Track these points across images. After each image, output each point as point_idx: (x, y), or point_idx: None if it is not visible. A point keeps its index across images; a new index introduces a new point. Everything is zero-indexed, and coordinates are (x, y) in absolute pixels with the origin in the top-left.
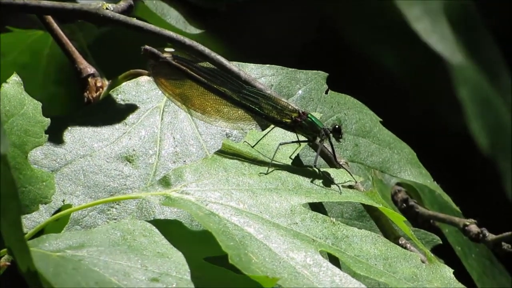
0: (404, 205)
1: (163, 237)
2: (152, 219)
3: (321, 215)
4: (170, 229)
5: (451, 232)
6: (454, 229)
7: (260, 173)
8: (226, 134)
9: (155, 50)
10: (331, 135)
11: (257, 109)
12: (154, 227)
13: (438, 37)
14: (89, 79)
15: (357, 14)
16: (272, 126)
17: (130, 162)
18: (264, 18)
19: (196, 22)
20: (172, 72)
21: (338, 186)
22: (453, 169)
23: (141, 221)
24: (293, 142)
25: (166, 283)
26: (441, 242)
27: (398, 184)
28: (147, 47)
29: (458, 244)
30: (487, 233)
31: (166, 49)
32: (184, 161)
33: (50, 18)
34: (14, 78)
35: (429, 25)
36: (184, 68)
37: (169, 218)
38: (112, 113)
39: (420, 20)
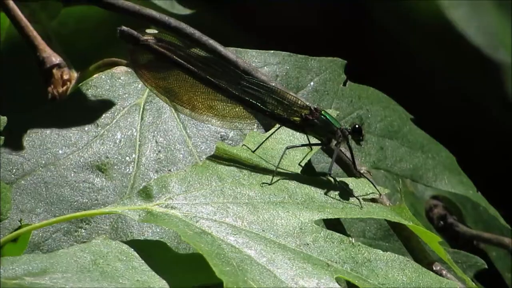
0: (442, 222)
1: (143, 261)
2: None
3: (338, 234)
4: (152, 252)
5: (499, 255)
6: (503, 252)
7: (263, 183)
8: (221, 137)
9: (134, 32)
10: (349, 136)
11: (259, 104)
12: (132, 250)
13: (477, 28)
14: (54, 71)
15: None
16: (277, 126)
17: (102, 172)
18: None
19: (186, 0)
20: (155, 59)
21: (359, 199)
22: (501, 177)
23: (116, 242)
24: (303, 145)
25: None
26: (486, 267)
27: (434, 197)
28: (123, 28)
29: (508, 270)
30: None
31: (148, 31)
32: (169, 170)
33: None
34: None
35: (467, 12)
36: (170, 53)
37: (150, 238)
38: (81, 112)
39: (457, 7)
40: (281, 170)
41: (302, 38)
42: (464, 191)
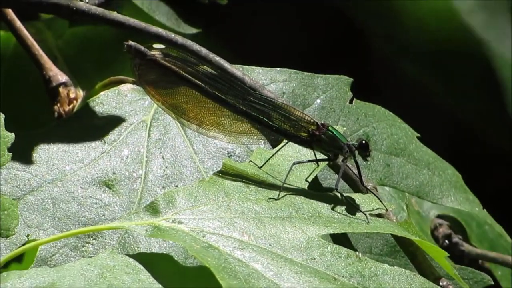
0: (447, 242)
1: (149, 275)
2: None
3: (345, 249)
4: (159, 265)
5: (504, 274)
6: (508, 271)
7: (270, 198)
8: (228, 153)
9: (141, 47)
10: (356, 152)
11: (266, 120)
12: (139, 263)
13: (497, 34)
14: (60, 89)
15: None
16: (284, 141)
17: (109, 188)
18: (272, 17)
19: (192, 20)
20: (162, 74)
21: (365, 215)
22: (506, 195)
23: (123, 255)
24: (309, 161)
25: None
26: (492, 283)
27: (439, 216)
28: (131, 42)
29: None
30: None
31: (155, 46)
32: (176, 186)
33: (12, 14)
34: None
35: (486, 19)
36: (177, 68)
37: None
38: (88, 129)
39: (475, 12)
40: (288, 186)
41: (300, 59)
42: (470, 208)
